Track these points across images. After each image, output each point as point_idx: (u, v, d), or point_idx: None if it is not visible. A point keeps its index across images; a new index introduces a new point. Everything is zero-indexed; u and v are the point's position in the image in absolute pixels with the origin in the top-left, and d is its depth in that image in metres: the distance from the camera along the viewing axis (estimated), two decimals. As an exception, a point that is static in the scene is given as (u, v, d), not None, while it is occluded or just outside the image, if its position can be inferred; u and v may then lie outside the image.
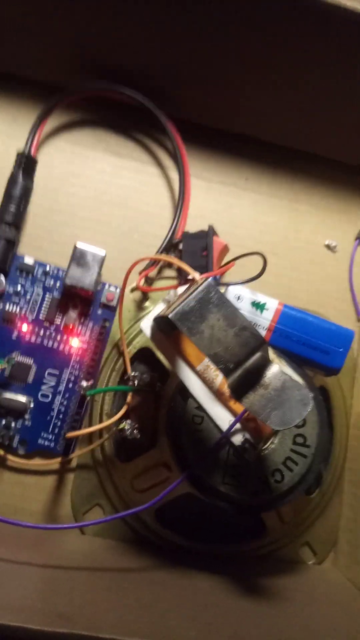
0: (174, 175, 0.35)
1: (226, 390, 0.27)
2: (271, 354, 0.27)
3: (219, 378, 0.27)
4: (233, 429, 0.26)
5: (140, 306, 0.33)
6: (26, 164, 0.32)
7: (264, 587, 0.28)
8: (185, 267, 0.27)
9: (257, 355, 0.24)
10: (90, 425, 0.31)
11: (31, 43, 0.33)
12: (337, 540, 0.32)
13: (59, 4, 0.29)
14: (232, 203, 0.36)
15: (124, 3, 0.28)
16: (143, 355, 0.31)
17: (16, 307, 0.31)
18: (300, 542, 0.32)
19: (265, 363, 0.24)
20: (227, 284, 0.28)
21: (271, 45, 0.29)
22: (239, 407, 0.26)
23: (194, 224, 0.34)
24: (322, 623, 0.26)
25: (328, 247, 0.36)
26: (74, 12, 0.30)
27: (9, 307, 0.31)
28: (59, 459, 0.30)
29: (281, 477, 0.26)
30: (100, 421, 0.30)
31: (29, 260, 0.32)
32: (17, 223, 0.31)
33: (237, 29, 0.29)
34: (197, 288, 0.24)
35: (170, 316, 0.23)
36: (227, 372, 0.23)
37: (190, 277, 0.26)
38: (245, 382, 0.24)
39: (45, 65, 0.34)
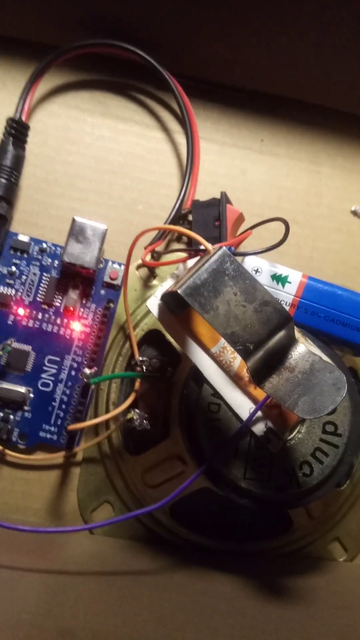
0: (182, 140, 0.32)
1: (245, 374, 0.24)
2: (295, 332, 0.24)
3: (237, 361, 0.24)
4: (254, 418, 0.23)
5: (147, 284, 0.30)
6: (17, 131, 0.29)
7: (291, 589, 0.25)
8: (196, 237, 0.23)
9: (282, 333, 0.21)
10: (95, 416, 0.28)
11: (19, 1, 0.29)
12: (370, 536, 0.29)
13: None
14: (246, 168, 0.32)
15: None
16: (152, 338, 0.28)
17: (11, 289, 0.28)
18: (330, 538, 0.29)
19: (290, 342, 0.21)
20: (244, 254, 0.25)
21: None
22: (260, 393, 0.24)
23: (204, 191, 0.31)
24: (356, 628, 0.23)
25: (355, 213, 0.33)
26: None
27: (3, 289, 0.28)
28: (62, 453, 0.27)
29: (310, 470, 0.24)
30: (107, 411, 0.28)
31: (23, 237, 0.29)
32: (9, 197, 0.29)
33: None
34: (209, 259, 0.21)
35: (179, 291, 0.20)
36: (246, 354, 0.20)
37: (202, 248, 0.23)
38: (268, 365, 0.21)
39: (35, 23, 0.31)
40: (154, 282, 0.30)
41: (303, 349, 0.21)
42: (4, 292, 0.28)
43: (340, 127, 0.33)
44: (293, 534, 0.28)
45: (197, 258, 0.24)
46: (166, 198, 0.31)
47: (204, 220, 0.29)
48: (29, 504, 0.28)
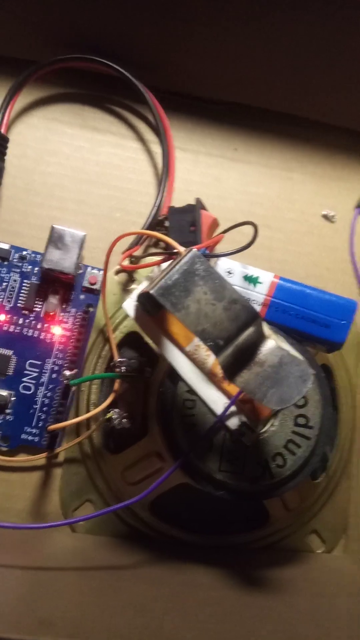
0: (157, 149, 0.33)
1: (219, 371, 0.25)
2: (267, 329, 0.25)
3: (210, 358, 0.25)
4: (228, 412, 0.24)
5: (126, 288, 0.31)
6: (-3, 142, 0.30)
7: (269, 580, 0.26)
8: (169, 240, 0.24)
9: (250, 330, 0.22)
10: (76, 417, 0.29)
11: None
12: (347, 527, 0.30)
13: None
14: (220, 175, 0.34)
15: None
16: (131, 340, 0.29)
17: (-7, 295, 0.29)
18: (308, 530, 0.30)
19: (259, 338, 0.22)
20: (216, 256, 0.26)
21: (251, 3, 0.27)
22: (234, 389, 0.24)
23: (180, 198, 0.32)
24: (335, 615, 0.24)
25: (325, 217, 0.34)
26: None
27: (-15, 295, 0.29)
28: (44, 454, 0.28)
29: (283, 461, 0.24)
30: (87, 412, 0.28)
31: (4, 245, 0.30)
32: (-10, 205, 0.29)
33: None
34: (180, 260, 0.22)
35: (152, 292, 0.21)
36: (217, 350, 0.21)
37: (175, 251, 0.24)
38: (238, 360, 0.22)
39: (13, 39, 0.32)
40: (133, 286, 0.31)
41: (272, 344, 0.22)
42: (-14, 299, 0.29)
43: (311, 136, 0.35)
44: (270, 526, 0.28)
45: (171, 261, 0.25)
46: (143, 205, 0.32)
47: (179, 226, 0.30)
48: (11, 505, 0.28)
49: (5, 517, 0.28)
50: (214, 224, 0.31)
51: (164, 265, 0.26)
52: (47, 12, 0.30)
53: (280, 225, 0.34)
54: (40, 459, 0.28)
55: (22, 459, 0.28)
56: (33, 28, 0.31)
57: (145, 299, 0.24)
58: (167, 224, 0.31)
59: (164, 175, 0.32)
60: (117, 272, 0.31)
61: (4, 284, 0.29)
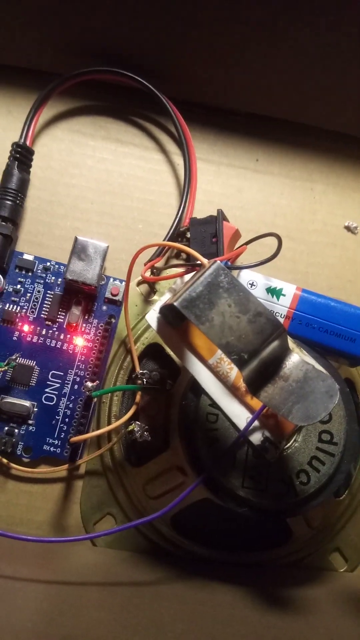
0: (179, 160, 0.33)
1: (242, 384, 0.24)
2: (290, 343, 0.25)
3: (233, 371, 0.25)
4: (251, 427, 0.24)
5: (147, 299, 0.31)
6: (22, 155, 0.30)
7: (291, 599, 0.25)
8: (192, 252, 0.24)
9: (275, 343, 0.22)
10: (98, 429, 0.29)
11: (22, 31, 0.31)
12: (371, 546, 0.29)
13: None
14: (242, 186, 0.34)
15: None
16: (152, 352, 0.29)
17: (16, 306, 0.29)
18: (330, 548, 0.29)
19: (284, 352, 0.22)
20: (239, 268, 0.26)
21: (274, 12, 0.27)
22: (257, 403, 0.24)
23: (202, 210, 0.32)
24: (357, 636, 0.23)
25: (348, 228, 0.34)
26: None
27: (8, 306, 0.29)
28: (66, 466, 0.28)
29: (307, 478, 0.24)
30: (109, 424, 0.28)
31: (28, 256, 0.30)
32: (14, 218, 0.30)
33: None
34: (204, 272, 0.22)
35: (175, 304, 0.21)
36: (241, 364, 0.21)
37: (198, 263, 0.24)
38: (263, 374, 0.22)
39: (38, 53, 0.33)
40: (154, 297, 0.31)
41: (297, 358, 0.22)
42: (10, 310, 0.29)
43: (333, 147, 0.35)
44: (293, 544, 0.28)
45: (194, 273, 0.25)
46: (165, 216, 0.32)
47: (201, 237, 0.30)
48: (32, 517, 0.28)
49: (26, 529, 0.28)
50: (236, 235, 0.31)
51: (187, 277, 0.26)
52: (69, 25, 0.30)
53: (302, 236, 0.33)
54: (61, 470, 0.28)
55: (43, 470, 0.28)
56: (57, 41, 0.32)
57: (168, 311, 0.24)
58: (189, 235, 0.31)
59: (186, 187, 0.32)
60: (139, 284, 0.31)
61: (28, 294, 0.30)
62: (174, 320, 0.25)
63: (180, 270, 0.26)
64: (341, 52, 0.29)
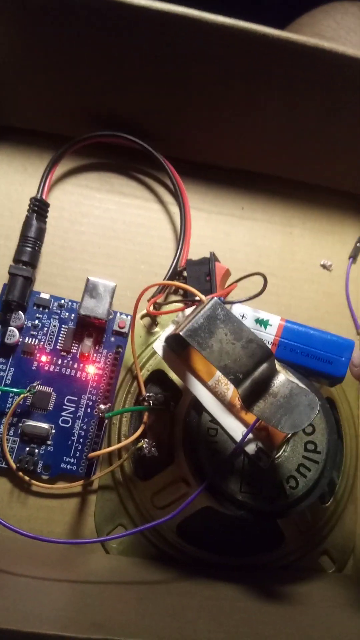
0: (175, 209, 0.38)
1: (237, 402, 0.28)
2: (277, 365, 0.29)
3: (229, 391, 0.29)
4: (246, 439, 0.28)
5: (150, 331, 0.35)
6: (39, 208, 0.35)
7: (287, 593, 0.28)
8: (192, 290, 0.28)
9: (265, 365, 0.26)
10: (109, 447, 0.32)
11: (39, 99, 0.36)
12: (354, 547, 0.33)
13: (63, 64, 0.33)
14: (230, 231, 0.38)
15: (121, 65, 0.32)
16: (156, 377, 0.33)
17: (35, 339, 0.33)
18: (319, 551, 0.32)
19: (272, 373, 0.26)
20: (231, 302, 0.30)
21: (253, 91, 0.33)
22: (250, 418, 0.28)
23: (196, 251, 0.36)
24: (345, 627, 0.26)
25: (324, 266, 0.39)
26: (76, 71, 0.33)
27: (28, 339, 0.33)
28: (81, 482, 0.31)
29: (296, 483, 0.28)
30: (119, 442, 0.32)
31: (44, 295, 0.34)
32: (33, 262, 0.34)
33: (222, 77, 0.32)
34: (204, 307, 0.26)
35: (181, 333, 0.25)
36: (237, 383, 0.25)
37: (197, 298, 0.28)
38: (255, 392, 0.25)
39: (50, 118, 0.38)
40: (156, 329, 0.35)
41: (283, 377, 0.26)
42: (29, 342, 0.33)
43: (308, 196, 0.40)
44: (286, 547, 0.31)
45: (193, 307, 0.29)
46: (164, 258, 0.37)
47: (196, 276, 0.35)
48: (51, 529, 0.31)
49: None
50: (227, 274, 0.35)
51: (187, 311, 0.30)
52: (86, 99, 0.35)
53: (284, 274, 0.38)
54: (77, 486, 0.31)
55: (61, 486, 0.31)
56: (67, 108, 0.37)
57: (173, 340, 0.28)
58: (185, 274, 0.35)
59: (181, 232, 0.37)
60: (143, 317, 0.35)
61: (45, 329, 0.33)
62: (178, 347, 0.29)
63: (180, 305, 0.31)
64: (309, 119, 0.34)
